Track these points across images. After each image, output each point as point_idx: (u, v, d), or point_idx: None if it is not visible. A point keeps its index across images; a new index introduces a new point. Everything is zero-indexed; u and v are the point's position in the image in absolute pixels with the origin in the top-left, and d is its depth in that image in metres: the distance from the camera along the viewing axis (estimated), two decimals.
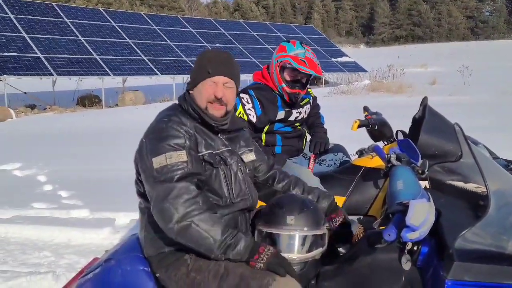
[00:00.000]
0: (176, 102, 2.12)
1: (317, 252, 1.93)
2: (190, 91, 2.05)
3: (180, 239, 1.80)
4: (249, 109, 3.05)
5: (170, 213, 1.78)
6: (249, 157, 2.19)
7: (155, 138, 1.89)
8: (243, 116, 3.02)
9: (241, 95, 3.09)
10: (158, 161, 1.84)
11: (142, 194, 2.00)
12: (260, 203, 2.49)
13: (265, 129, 3.13)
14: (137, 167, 1.98)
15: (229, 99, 2.03)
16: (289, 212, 1.91)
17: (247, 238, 1.83)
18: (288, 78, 3.07)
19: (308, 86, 3.22)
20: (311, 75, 3.08)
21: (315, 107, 3.51)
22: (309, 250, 1.91)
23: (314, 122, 3.44)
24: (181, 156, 1.86)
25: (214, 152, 1.99)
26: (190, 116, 2.01)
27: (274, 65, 3.09)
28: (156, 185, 1.83)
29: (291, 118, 3.16)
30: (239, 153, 2.13)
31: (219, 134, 2.07)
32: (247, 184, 2.10)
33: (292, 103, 3.15)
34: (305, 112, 3.29)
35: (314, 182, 2.84)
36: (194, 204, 1.79)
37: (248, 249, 1.79)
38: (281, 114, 3.11)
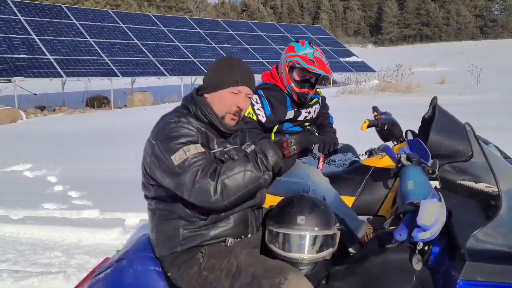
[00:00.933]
0: (179, 104, 2.10)
1: (327, 252, 1.93)
2: (205, 95, 2.03)
3: (231, 200, 1.82)
4: (258, 109, 3.05)
5: (204, 188, 1.79)
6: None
7: (168, 138, 1.88)
8: (252, 116, 3.02)
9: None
10: (177, 158, 1.83)
11: (151, 197, 2.01)
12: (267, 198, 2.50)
13: (274, 129, 3.13)
14: (150, 171, 1.96)
15: (245, 110, 2.08)
16: (299, 212, 1.92)
17: (265, 142, 1.94)
18: (297, 78, 3.07)
19: (316, 86, 3.21)
20: (320, 75, 3.08)
21: (324, 107, 3.51)
22: (320, 250, 1.91)
23: (323, 122, 3.44)
24: (199, 148, 1.86)
25: (224, 150, 2.00)
26: (198, 119, 2.00)
27: (283, 65, 3.09)
28: (181, 176, 1.82)
29: (300, 118, 3.16)
30: (244, 147, 2.15)
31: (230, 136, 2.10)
32: None
33: (301, 103, 3.15)
34: (314, 112, 3.29)
35: (323, 182, 2.84)
36: (214, 169, 1.82)
37: (276, 146, 1.91)
38: (290, 114, 3.11)
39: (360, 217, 2.81)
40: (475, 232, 1.59)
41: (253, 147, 2.20)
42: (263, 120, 3.04)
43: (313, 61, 2.99)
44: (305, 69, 3.00)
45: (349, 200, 2.94)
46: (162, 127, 1.94)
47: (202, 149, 1.87)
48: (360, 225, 2.72)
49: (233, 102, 2.00)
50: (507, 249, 1.63)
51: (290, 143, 1.92)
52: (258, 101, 3.07)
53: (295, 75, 3.07)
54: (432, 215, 1.61)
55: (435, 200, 1.67)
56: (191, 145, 1.86)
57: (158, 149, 1.89)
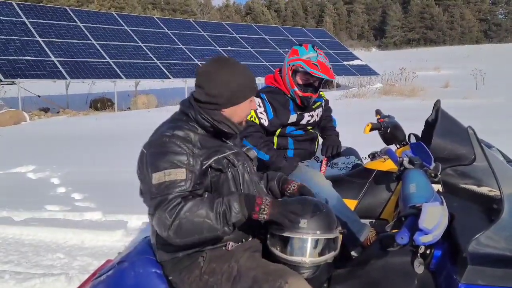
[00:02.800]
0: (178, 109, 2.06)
1: (329, 256, 1.92)
2: (224, 110, 1.96)
3: (182, 239, 1.77)
4: (261, 112, 3.05)
5: (162, 221, 1.75)
6: (253, 152, 2.19)
7: (157, 153, 1.85)
8: (254, 119, 3.02)
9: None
10: (157, 177, 1.80)
11: None
12: None
13: (277, 132, 3.13)
14: (138, 175, 1.97)
15: None
16: (302, 215, 1.91)
17: (235, 197, 1.80)
18: (300, 82, 3.06)
19: (320, 89, 3.21)
20: (323, 78, 3.08)
21: (327, 110, 3.50)
22: (322, 254, 1.90)
23: (326, 125, 3.44)
24: (180, 174, 1.81)
25: (221, 156, 1.95)
26: (197, 123, 1.96)
27: (286, 68, 3.08)
28: (151, 200, 1.80)
29: (303, 122, 3.16)
30: (244, 150, 2.13)
31: (230, 139, 2.07)
32: (254, 184, 2.09)
33: (304, 107, 3.14)
34: (317, 115, 3.29)
35: (326, 185, 2.83)
36: (179, 205, 1.76)
37: (244, 205, 1.79)
38: (293, 118, 3.10)
39: (363, 221, 2.81)
40: (477, 236, 1.59)
41: (253, 152, 2.20)
42: (266, 123, 3.04)
43: (317, 65, 2.98)
44: (308, 73, 3.00)
45: (351, 203, 2.94)
46: (156, 138, 1.90)
47: (184, 176, 1.81)
48: (363, 228, 2.71)
49: (250, 107, 2.04)
50: (509, 253, 1.63)
51: (262, 209, 1.79)
52: (261, 104, 3.06)
53: (298, 79, 3.06)
54: (434, 219, 1.60)
55: (437, 204, 1.67)
56: (173, 170, 1.80)
57: (145, 159, 1.88)
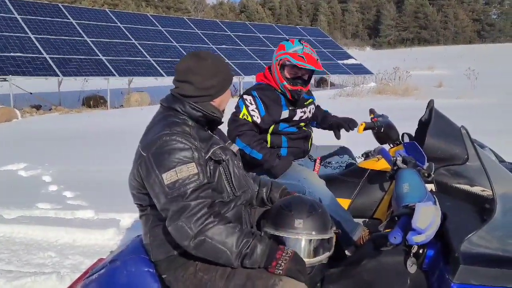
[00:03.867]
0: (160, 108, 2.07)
1: (324, 256, 1.93)
2: (213, 101, 2.02)
3: (198, 254, 1.79)
4: (252, 110, 3.04)
5: (184, 231, 1.76)
6: (235, 146, 2.20)
7: (161, 153, 1.83)
8: (247, 117, 3.01)
9: (244, 96, 3.10)
10: (168, 177, 1.80)
11: (145, 205, 1.99)
12: None
13: (270, 129, 3.13)
14: (136, 182, 1.94)
15: None
16: (297, 215, 1.91)
17: (262, 245, 1.79)
18: (288, 76, 3.07)
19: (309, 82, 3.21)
20: (312, 71, 3.08)
21: (317, 108, 3.54)
22: (316, 254, 1.91)
23: (324, 114, 3.54)
24: (191, 168, 1.82)
25: (216, 147, 1.98)
26: (186, 115, 1.97)
27: (274, 64, 3.11)
28: (170, 202, 1.79)
29: (296, 118, 3.16)
30: (227, 144, 2.13)
31: (213, 132, 2.09)
32: (243, 176, 2.11)
33: (295, 101, 3.15)
34: (310, 112, 3.30)
35: (320, 184, 2.83)
36: (207, 219, 1.77)
37: (265, 256, 1.78)
38: (285, 114, 3.11)
39: (356, 220, 2.82)
40: (469, 236, 1.59)
41: (235, 146, 2.19)
42: (258, 121, 3.03)
43: (303, 57, 2.99)
44: (295, 65, 3.01)
45: (345, 203, 2.94)
46: (155, 139, 1.87)
47: (195, 170, 1.82)
48: (356, 228, 2.72)
49: (230, 94, 2.12)
50: (501, 253, 1.63)
51: (279, 265, 1.75)
52: (252, 102, 3.06)
53: (287, 73, 3.07)
54: (427, 218, 1.60)
55: (430, 203, 1.67)
56: (183, 165, 1.81)
57: (149, 162, 1.85)
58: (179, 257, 1.93)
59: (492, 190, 1.65)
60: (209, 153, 1.94)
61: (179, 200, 1.78)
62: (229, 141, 2.21)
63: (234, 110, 3.09)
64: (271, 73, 3.17)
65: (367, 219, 2.94)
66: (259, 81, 3.24)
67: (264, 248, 1.79)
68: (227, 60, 21.43)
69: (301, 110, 3.18)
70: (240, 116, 3.01)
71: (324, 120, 3.49)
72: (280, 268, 1.75)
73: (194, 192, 1.79)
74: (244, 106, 3.03)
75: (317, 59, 3.06)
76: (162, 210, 1.83)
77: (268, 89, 3.14)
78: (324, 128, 3.50)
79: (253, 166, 2.93)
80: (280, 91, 3.13)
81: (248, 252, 1.77)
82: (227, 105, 2.13)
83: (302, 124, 3.23)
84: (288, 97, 3.12)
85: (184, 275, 1.90)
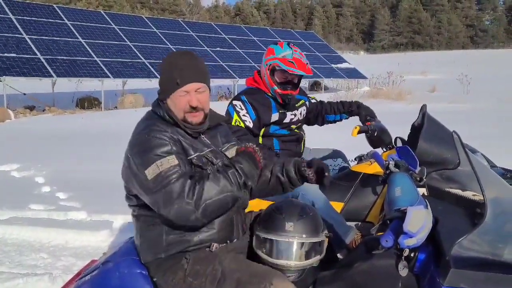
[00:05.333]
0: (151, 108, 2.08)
1: (315, 260, 1.93)
2: (165, 100, 1.99)
3: (211, 218, 1.86)
4: (243, 115, 3.04)
5: (184, 210, 1.78)
6: (233, 151, 2.15)
7: (141, 151, 1.86)
8: (239, 123, 3.01)
9: (234, 102, 3.10)
10: (151, 172, 1.82)
11: (134, 205, 2.00)
12: (257, 202, 2.49)
13: (261, 132, 3.13)
14: (126, 183, 1.96)
15: (204, 104, 1.99)
16: (288, 218, 1.91)
17: (243, 161, 1.93)
18: (278, 80, 3.09)
19: (299, 86, 3.22)
20: (300, 75, 3.10)
21: (317, 104, 3.54)
22: (308, 257, 1.90)
23: (339, 103, 3.56)
24: (172, 160, 1.83)
25: (201, 154, 1.97)
26: (168, 122, 1.98)
27: (264, 68, 3.12)
28: (156, 193, 1.81)
29: (286, 120, 3.17)
30: (223, 149, 2.11)
31: (201, 135, 2.06)
32: None
33: (286, 105, 3.16)
34: (301, 114, 3.31)
35: (313, 187, 2.84)
36: (194, 188, 1.80)
37: (252, 164, 1.95)
38: (275, 117, 3.12)
39: (349, 223, 2.83)
40: (459, 240, 1.61)
41: (233, 151, 2.17)
42: (250, 125, 3.03)
43: (293, 63, 3.01)
44: (286, 71, 3.03)
45: (338, 206, 2.95)
46: (135, 139, 1.92)
47: (176, 161, 1.84)
48: (349, 231, 2.73)
49: (185, 102, 1.95)
50: (491, 257, 1.65)
51: (260, 157, 1.98)
52: (243, 107, 3.06)
53: (277, 78, 3.09)
54: (418, 222, 1.62)
55: (421, 207, 1.69)
56: (164, 158, 1.83)
57: (133, 162, 1.88)
58: (167, 260, 1.92)
59: (483, 194, 1.67)
60: (192, 155, 1.93)
61: (163, 189, 1.80)
62: (232, 143, 2.18)
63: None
64: (260, 77, 3.19)
65: (360, 223, 2.95)
66: (249, 85, 3.26)
67: (246, 161, 1.94)
68: (220, 62, 21.48)
69: (291, 113, 3.20)
70: (233, 123, 3.00)
71: (340, 108, 3.52)
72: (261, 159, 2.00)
73: (178, 180, 1.81)
74: (235, 112, 3.03)
75: (307, 63, 3.08)
76: (153, 205, 1.84)
77: (258, 93, 3.15)
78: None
79: None
80: (270, 94, 3.15)
81: (242, 177, 1.88)
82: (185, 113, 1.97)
83: (294, 126, 3.24)
84: (279, 101, 3.13)
85: (173, 279, 1.89)
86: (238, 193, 1.87)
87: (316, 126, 3.67)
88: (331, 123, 3.61)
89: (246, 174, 1.89)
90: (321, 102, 3.60)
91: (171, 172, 1.81)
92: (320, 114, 3.54)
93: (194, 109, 1.95)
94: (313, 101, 3.53)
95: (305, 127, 3.46)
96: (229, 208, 1.89)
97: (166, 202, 1.79)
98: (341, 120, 3.57)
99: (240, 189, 1.87)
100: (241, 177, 1.88)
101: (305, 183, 2.83)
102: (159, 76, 2.05)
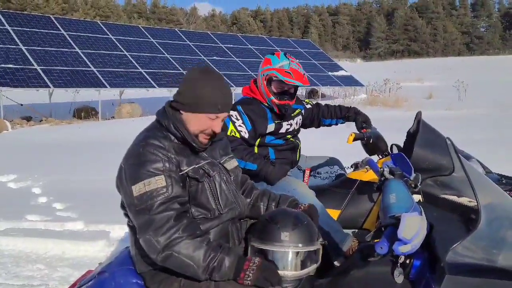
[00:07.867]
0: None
1: (311, 269, 1.91)
2: (181, 111, 1.96)
3: (166, 266, 1.81)
4: (239, 125, 3.04)
5: (152, 244, 1.78)
6: (232, 163, 2.17)
7: (133, 164, 1.86)
8: (235, 133, 3.01)
9: (230, 112, 3.09)
10: (137, 189, 1.82)
11: (128, 215, 1.98)
12: None
13: (257, 142, 3.13)
14: (117, 190, 1.97)
15: (219, 131, 2.02)
16: (283, 228, 1.89)
17: (231, 257, 1.80)
18: (275, 91, 3.09)
19: (303, 99, 3.24)
20: (297, 85, 3.11)
21: (313, 107, 3.54)
22: (304, 267, 1.89)
23: (336, 107, 3.53)
24: (160, 181, 1.82)
25: (197, 166, 1.96)
26: (170, 133, 1.95)
27: (261, 78, 3.12)
28: (137, 215, 1.82)
29: (282, 130, 3.17)
30: (221, 161, 2.11)
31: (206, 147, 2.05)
32: (233, 193, 2.08)
33: (282, 115, 3.16)
34: (297, 123, 3.31)
35: (309, 195, 2.84)
36: (174, 233, 1.77)
37: (233, 268, 1.79)
38: (271, 127, 3.12)
39: (346, 230, 2.82)
40: (454, 246, 1.61)
41: (234, 161, 2.19)
42: (246, 136, 3.03)
43: (290, 73, 3.01)
44: (283, 81, 3.03)
45: (334, 213, 2.95)
46: (132, 149, 1.92)
47: (164, 183, 1.82)
48: (345, 238, 2.72)
49: (209, 125, 1.96)
50: (486, 263, 1.65)
51: (247, 276, 1.77)
52: (238, 117, 3.06)
53: (274, 88, 3.09)
54: (413, 229, 1.62)
55: (416, 214, 1.69)
56: (152, 178, 1.82)
57: (123, 173, 1.89)
58: (161, 271, 1.91)
59: (476, 200, 1.67)
60: (187, 169, 1.92)
61: (146, 213, 1.80)
62: (230, 155, 2.19)
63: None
64: (257, 86, 3.18)
65: (356, 230, 2.95)
66: (245, 95, 3.25)
67: (232, 260, 1.80)
68: (217, 71, 21.51)
69: (287, 123, 3.20)
70: (228, 133, 3.00)
71: (337, 113, 3.51)
72: (249, 278, 1.77)
73: (161, 205, 1.80)
74: (230, 123, 3.03)
75: (304, 74, 3.08)
76: (133, 221, 1.86)
77: (254, 103, 3.15)
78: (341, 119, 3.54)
79: (250, 177, 2.94)
80: (266, 104, 3.15)
81: (216, 266, 1.78)
82: (202, 132, 1.97)
83: (289, 136, 3.24)
84: (276, 111, 3.14)
85: None
86: (202, 274, 1.78)
87: (312, 132, 3.66)
88: (326, 126, 3.61)
89: (220, 269, 1.78)
90: (317, 104, 3.59)
91: (157, 193, 1.81)
92: (317, 117, 3.53)
93: (212, 133, 1.98)
94: (308, 106, 3.52)
95: (301, 133, 3.46)
96: (185, 273, 1.81)
97: (142, 228, 1.80)
98: (336, 124, 3.58)
99: (205, 272, 1.77)
100: (216, 266, 1.78)
101: (302, 190, 2.85)
102: (184, 86, 1.98)
